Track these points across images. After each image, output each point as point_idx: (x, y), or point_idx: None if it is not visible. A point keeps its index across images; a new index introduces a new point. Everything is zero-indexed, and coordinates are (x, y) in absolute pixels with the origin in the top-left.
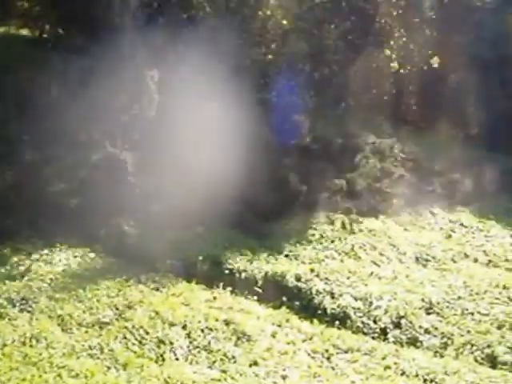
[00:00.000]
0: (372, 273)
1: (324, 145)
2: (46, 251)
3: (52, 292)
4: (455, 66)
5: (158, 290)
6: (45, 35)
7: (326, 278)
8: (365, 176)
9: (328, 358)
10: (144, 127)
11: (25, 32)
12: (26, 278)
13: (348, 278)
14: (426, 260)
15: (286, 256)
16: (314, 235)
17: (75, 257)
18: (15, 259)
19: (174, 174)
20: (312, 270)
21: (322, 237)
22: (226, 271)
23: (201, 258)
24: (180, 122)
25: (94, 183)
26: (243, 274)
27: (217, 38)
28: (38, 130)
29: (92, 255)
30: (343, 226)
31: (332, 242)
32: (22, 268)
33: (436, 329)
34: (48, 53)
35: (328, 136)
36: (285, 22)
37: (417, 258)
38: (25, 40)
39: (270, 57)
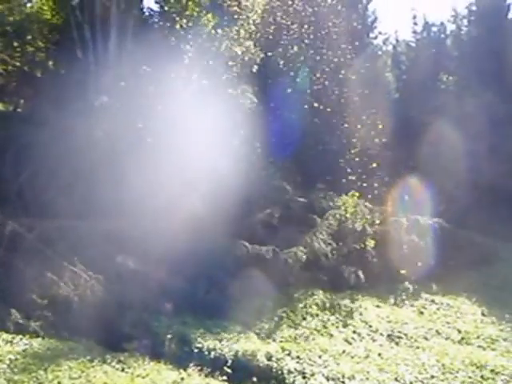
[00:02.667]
0: (344, 351)
1: None
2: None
3: (11, 374)
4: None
5: (123, 370)
6: (19, 109)
7: (298, 357)
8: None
9: None
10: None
11: None
12: None
13: (320, 357)
14: (399, 337)
15: (257, 334)
16: (285, 312)
17: (38, 336)
18: None
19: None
20: (283, 349)
21: (294, 314)
22: (195, 350)
23: (169, 336)
24: None
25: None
26: (212, 353)
27: None
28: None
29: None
30: (316, 302)
31: (304, 319)
32: None
33: None
34: (20, 126)
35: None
36: None
37: (389, 336)
38: None
39: None
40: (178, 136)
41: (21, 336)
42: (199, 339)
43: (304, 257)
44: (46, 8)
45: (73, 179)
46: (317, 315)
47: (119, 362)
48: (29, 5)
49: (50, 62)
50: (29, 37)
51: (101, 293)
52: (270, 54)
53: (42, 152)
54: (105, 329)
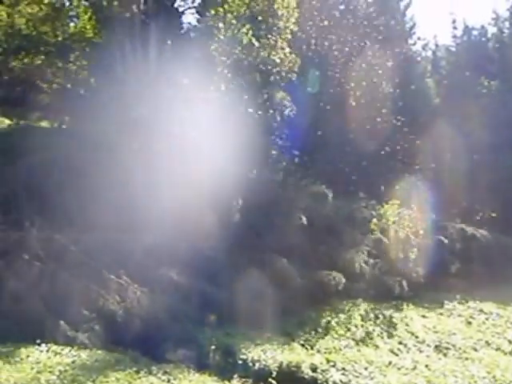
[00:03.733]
0: (390, 362)
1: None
2: None
3: None
4: None
5: (169, 381)
6: (64, 126)
7: (343, 368)
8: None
9: None
10: None
11: (44, 123)
12: (34, 369)
13: (366, 369)
14: (447, 348)
15: (302, 345)
16: (329, 323)
17: (85, 348)
18: (23, 350)
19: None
20: (328, 360)
21: (338, 324)
22: (240, 361)
23: (213, 347)
24: None
25: None
26: (257, 365)
27: None
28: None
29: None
30: (360, 313)
31: (348, 329)
32: (31, 359)
33: None
34: (64, 142)
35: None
36: None
37: (436, 347)
38: (43, 130)
39: None
40: (217, 147)
41: (69, 347)
42: (243, 350)
43: (343, 280)
44: (88, 27)
45: (115, 193)
46: (361, 326)
47: (165, 373)
48: (72, 24)
49: (93, 80)
50: (72, 55)
51: (146, 305)
52: (307, 61)
53: (85, 167)
54: (150, 340)
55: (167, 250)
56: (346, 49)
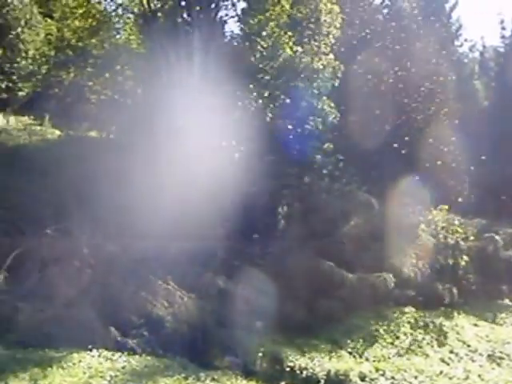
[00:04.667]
0: (441, 372)
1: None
2: None
3: None
4: None
5: None
6: (111, 136)
7: (393, 377)
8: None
9: None
10: None
11: (93, 133)
12: (86, 374)
13: (415, 378)
14: (500, 358)
15: (349, 353)
16: (378, 330)
17: (135, 354)
18: (75, 355)
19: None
20: (377, 369)
21: (387, 332)
22: (287, 369)
23: (260, 354)
24: None
25: None
26: (304, 372)
27: None
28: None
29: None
30: (408, 320)
31: (397, 338)
32: (83, 364)
33: None
34: (112, 151)
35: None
36: None
37: (489, 356)
38: (91, 140)
39: None
40: (260, 155)
41: (120, 353)
42: (290, 358)
43: (393, 281)
44: (133, 38)
45: (161, 202)
46: (410, 334)
47: (213, 379)
48: (118, 36)
49: (139, 90)
50: (118, 66)
51: (193, 311)
52: (351, 66)
53: (132, 176)
54: (197, 346)
55: (212, 257)
56: (389, 52)
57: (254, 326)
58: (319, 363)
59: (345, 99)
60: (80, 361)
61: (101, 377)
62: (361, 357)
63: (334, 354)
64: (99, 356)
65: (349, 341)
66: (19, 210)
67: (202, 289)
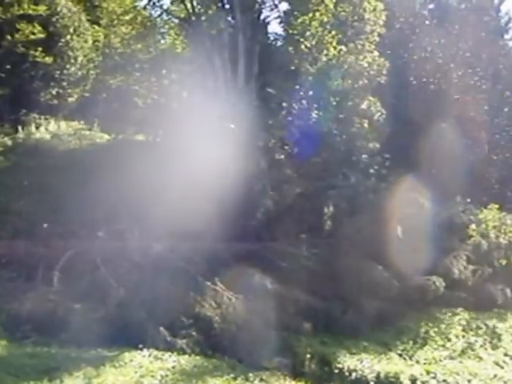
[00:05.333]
0: (495, 375)
1: None
2: None
3: None
4: None
5: None
6: (158, 139)
7: (444, 381)
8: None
9: None
10: None
11: (140, 137)
12: (137, 373)
13: (469, 381)
14: None
15: (399, 355)
16: (428, 332)
17: (184, 354)
18: (127, 354)
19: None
20: (428, 372)
21: (437, 334)
22: (336, 370)
23: (309, 355)
24: None
25: None
26: (353, 374)
27: None
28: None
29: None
30: (460, 322)
31: (448, 340)
32: (134, 363)
33: None
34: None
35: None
36: None
37: None
38: (138, 143)
39: None
40: (309, 155)
41: (169, 353)
42: (339, 359)
43: (443, 284)
44: (178, 42)
45: (207, 203)
46: (462, 336)
47: (261, 380)
48: (162, 41)
49: (184, 93)
50: (164, 71)
51: (241, 312)
52: (396, 64)
53: (178, 178)
54: (246, 347)
55: (259, 258)
56: (438, 50)
57: (301, 327)
58: (368, 365)
59: (391, 97)
60: (131, 360)
61: (152, 376)
62: (411, 359)
63: (383, 355)
64: (150, 355)
65: (398, 343)
66: (72, 213)
67: (249, 290)
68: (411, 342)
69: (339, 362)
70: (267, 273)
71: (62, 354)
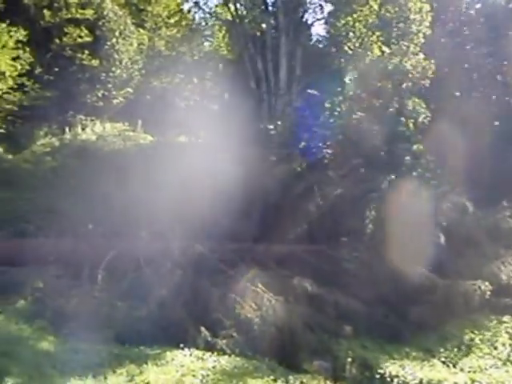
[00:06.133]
0: None
1: None
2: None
3: None
4: None
5: None
6: (200, 140)
7: None
8: None
9: None
10: None
11: (182, 138)
12: (179, 372)
13: None
14: None
15: (443, 362)
16: (473, 340)
17: (224, 354)
18: (168, 353)
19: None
20: (473, 380)
21: (483, 342)
22: (377, 376)
23: (349, 359)
24: None
25: None
26: (395, 380)
27: None
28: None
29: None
30: (507, 330)
31: (495, 348)
32: (175, 362)
33: None
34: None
35: None
36: None
37: None
38: (180, 144)
39: None
40: (350, 157)
41: (210, 353)
42: (380, 364)
43: (489, 288)
44: (222, 45)
45: (248, 205)
46: (509, 345)
47: (302, 383)
48: (206, 43)
49: (226, 95)
50: (206, 73)
51: (281, 314)
52: (442, 65)
53: (219, 178)
54: (286, 349)
55: (299, 260)
56: (484, 50)
57: (342, 330)
58: (411, 371)
59: (436, 99)
60: (173, 359)
61: (193, 375)
62: (455, 366)
63: (426, 362)
64: (190, 355)
65: (442, 349)
66: (115, 213)
67: (289, 292)
68: (455, 349)
69: (381, 368)
70: (307, 275)
71: (106, 350)
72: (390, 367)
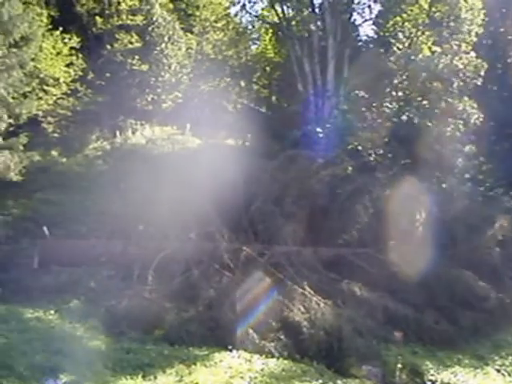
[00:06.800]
0: None
1: None
2: None
3: None
4: None
5: None
6: (247, 143)
7: None
8: None
9: None
10: None
11: (229, 142)
12: (227, 374)
13: None
14: None
15: (497, 370)
16: None
17: (272, 357)
18: (217, 355)
19: None
20: None
21: None
22: (428, 382)
23: (399, 365)
24: None
25: None
26: None
27: None
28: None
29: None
30: None
31: None
32: (224, 364)
33: None
34: (248, 158)
35: None
36: None
37: None
38: (228, 147)
39: None
40: (399, 158)
41: (258, 355)
42: (432, 371)
43: None
44: (269, 48)
45: (296, 207)
46: None
47: None
48: (253, 47)
49: (274, 97)
50: (254, 75)
51: (330, 318)
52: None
53: (268, 182)
54: (334, 353)
55: (347, 263)
56: None
57: (391, 335)
58: (463, 379)
59: (489, 99)
60: (221, 360)
61: (241, 377)
62: (510, 375)
63: (479, 370)
64: (239, 357)
65: (496, 357)
66: (164, 214)
67: (337, 295)
68: (510, 357)
69: (432, 374)
70: (355, 279)
71: (156, 350)
72: (442, 374)
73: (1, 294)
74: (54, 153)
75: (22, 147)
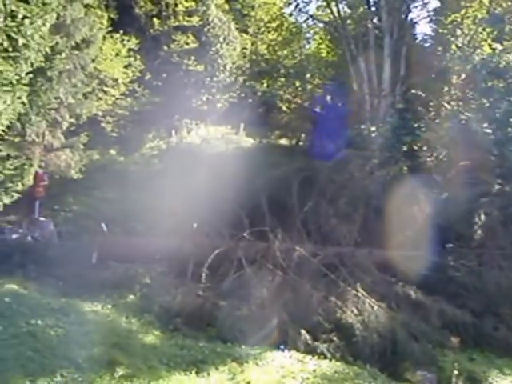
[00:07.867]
0: None
1: None
2: None
3: None
4: None
5: None
6: (300, 143)
7: None
8: None
9: None
10: None
11: (283, 141)
12: (279, 373)
13: None
14: None
15: None
16: None
17: (325, 358)
18: (268, 354)
19: None
20: None
21: None
22: None
23: (456, 372)
24: None
25: None
26: None
27: None
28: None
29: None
30: None
31: None
32: (275, 363)
33: None
34: (302, 158)
35: None
36: None
37: None
38: (281, 147)
39: None
40: (457, 160)
41: (310, 356)
42: (490, 379)
43: None
44: (322, 47)
45: (350, 208)
46: None
47: None
48: (307, 46)
49: (328, 97)
50: (308, 75)
51: (383, 321)
52: None
53: (322, 182)
54: (388, 357)
55: (401, 266)
56: None
57: (448, 340)
58: None
59: None
60: (273, 360)
61: (293, 377)
62: None
63: None
64: (290, 357)
65: None
66: (218, 213)
67: (391, 298)
68: None
69: (490, 382)
70: (410, 281)
71: (209, 347)
72: (501, 382)
73: (61, 287)
74: (112, 151)
75: (82, 146)
